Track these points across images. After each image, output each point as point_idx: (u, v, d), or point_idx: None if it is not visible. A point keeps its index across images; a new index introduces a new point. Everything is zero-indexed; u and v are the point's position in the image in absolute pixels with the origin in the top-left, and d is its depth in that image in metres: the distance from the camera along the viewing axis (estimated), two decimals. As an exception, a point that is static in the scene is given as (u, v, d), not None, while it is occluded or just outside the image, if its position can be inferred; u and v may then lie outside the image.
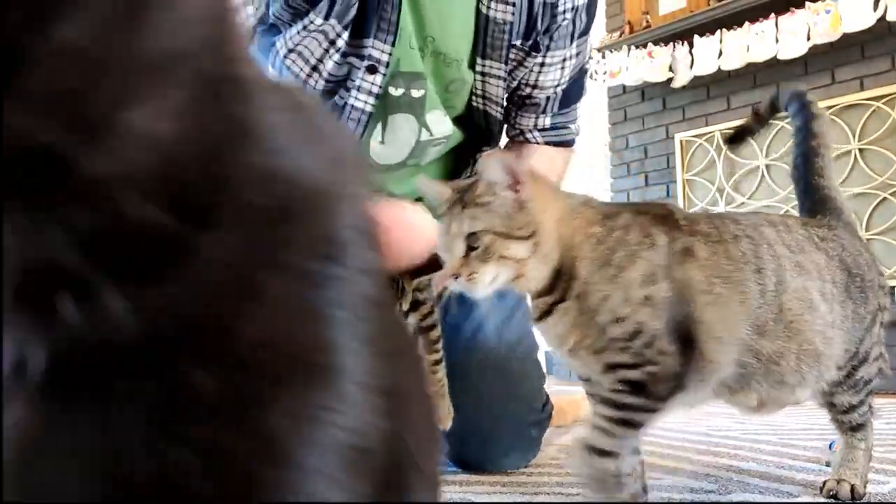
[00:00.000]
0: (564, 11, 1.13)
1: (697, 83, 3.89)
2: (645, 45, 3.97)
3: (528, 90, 1.18)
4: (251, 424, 0.25)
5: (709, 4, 3.79)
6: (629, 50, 4.00)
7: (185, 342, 0.25)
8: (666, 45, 3.91)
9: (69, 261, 0.22)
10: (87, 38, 0.20)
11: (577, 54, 1.20)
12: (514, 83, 1.18)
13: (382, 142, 1.12)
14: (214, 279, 0.25)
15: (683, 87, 3.91)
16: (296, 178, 0.28)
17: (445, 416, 1.02)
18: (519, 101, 1.21)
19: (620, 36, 4.11)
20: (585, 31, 1.20)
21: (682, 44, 3.84)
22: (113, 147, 0.21)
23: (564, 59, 1.17)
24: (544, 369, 1.29)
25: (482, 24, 1.08)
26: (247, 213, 0.26)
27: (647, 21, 4.02)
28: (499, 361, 1.14)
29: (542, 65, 1.16)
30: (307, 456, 0.26)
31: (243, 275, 0.26)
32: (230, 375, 0.25)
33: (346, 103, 1.04)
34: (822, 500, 0.91)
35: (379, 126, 1.09)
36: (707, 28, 3.76)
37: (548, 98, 1.19)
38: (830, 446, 1.22)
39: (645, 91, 4.22)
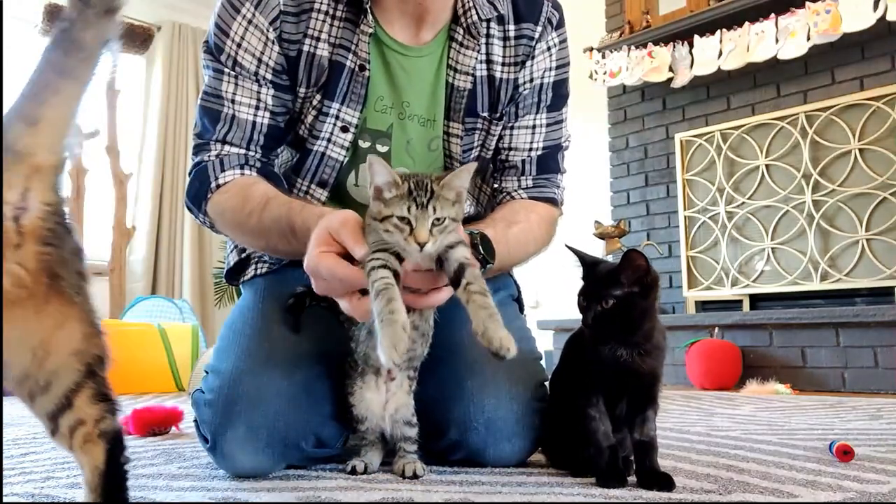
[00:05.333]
0: (525, 83, 1.29)
1: (697, 83, 3.89)
2: (645, 45, 3.97)
3: (505, 153, 1.33)
4: None
5: (709, 4, 3.79)
6: (629, 50, 4.00)
7: None
8: (666, 45, 3.91)
9: None
10: None
11: (548, 125, 1.33)
12: (490, 153, 1.32)
13: (357, 184, 1.27)
14: None
15: (683, 87, 3.91)
16: None
17: (507, 339, 0.88)
18: (500, 167, 1.34)
19: (620, 36, 4.11)
20: (555, 107, 1.33)
21: (682, 44, 3.83)
22: None
23: (534, 126, 1.32)
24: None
25: (449, 92, 1.26)
26: None
27: (647, 21, 4.02)
28: None
29: (513, 128, 1.32)
30: None
31: None
32: None
33: (323, 153, 1.23)
34: (823, 500, 0.91)
35: (353, 172, 1.26)
36: (707, 28, 3.76)
37: (523, 161, 1.32)
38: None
39: (645, 91, 4.22)
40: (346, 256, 0.91)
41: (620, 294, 0.97)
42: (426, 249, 0.89)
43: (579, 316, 1.04)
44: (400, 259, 0.91)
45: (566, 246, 1.05)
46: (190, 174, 1.21)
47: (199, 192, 1.18)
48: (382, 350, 0.84)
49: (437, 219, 0.91)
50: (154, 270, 4.90)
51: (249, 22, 1.17)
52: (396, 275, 0.89)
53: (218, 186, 1.15)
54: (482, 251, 1.06)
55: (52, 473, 1.13)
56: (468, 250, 0.97)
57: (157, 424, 1.64)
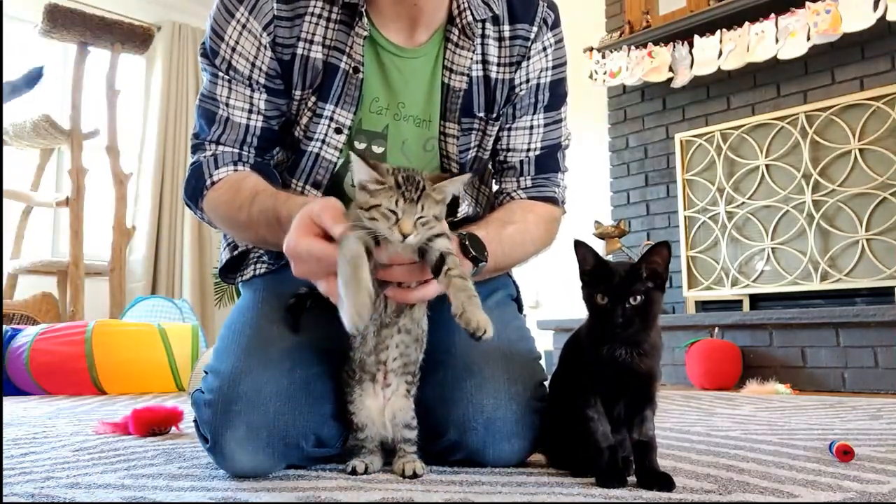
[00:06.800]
0: (521, 84, 1.29)
1: (697, 83, 3.89)
2: (645, 45, 3.97)
3: (503, 154, 1.34)
4: None
5: (709, 4, 3.79)
6: (629, 50, 4.00)
7: None
8: (666, 45, 3.91)
9: None
10: None
11: (546, 125, 1.33)
12: (487, 153, 1.32)
13: (353, 185, 1.24)
14: None
15: (683, 87, 3.91)
16: None
17: (485, 321, 0.91)
18: (499, 168, 1.35)
19: (620, 36, 4.11)
20: (553, 107, 1.33)
21: (682, 44, 3.83)
22: None
23: (531, 127, 1.32)
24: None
25: (444, 92, 1.26)
26: None
27: (647, 21, 4.02)
28: (501, 350, 1.18)
29: (510, 129, 1.32)
30: None
31: None
32: None
33: (317, 154, 1.23)
34: (823, 500, 0.91)
35: (350, 174, 1.25)
36: (707, 28, 3.76)
37: (521, 162, 1.33)
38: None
39: (645, 91, 4.22)
40: (328, 242, 0.93)
41: (646, 289, 0.97)
42: (408, 241, 0.92)
43: (579, 316, 1.03)
44: (377, 244, 0.93)
45: (575, 241, 1.05)
46: (187, 173, 1.24)
47: (195, 190, 1.20)
48: (346, 316, 0.87)
49: (422, 216, 0.94)
50: (154, 270, 4.90)
51: (244, 27, 1.18)
52: (370, 254, 0.92)
53: (213, 184, 1.18)
54: (472, 251, 1.07)
55: (52, 473, 1.13)
56: (451, 243, 0.99)
57: (157, 424, 1.63)
